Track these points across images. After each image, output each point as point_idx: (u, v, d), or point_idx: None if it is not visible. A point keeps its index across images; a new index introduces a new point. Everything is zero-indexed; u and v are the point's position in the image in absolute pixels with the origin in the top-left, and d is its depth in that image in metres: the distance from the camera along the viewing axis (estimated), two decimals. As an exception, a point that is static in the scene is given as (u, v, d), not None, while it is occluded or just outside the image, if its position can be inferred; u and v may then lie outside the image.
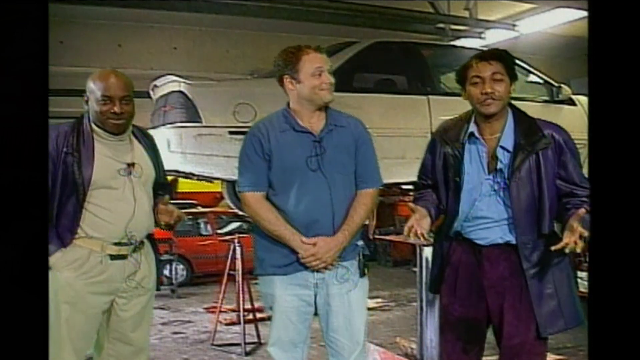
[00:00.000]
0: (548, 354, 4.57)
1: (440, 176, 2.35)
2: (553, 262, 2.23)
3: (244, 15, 6.44)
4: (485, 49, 5.33)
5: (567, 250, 2.05)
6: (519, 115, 2.31)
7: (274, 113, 2.47)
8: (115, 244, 2.35)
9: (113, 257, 2.36)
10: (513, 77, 2.26)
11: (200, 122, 3.93)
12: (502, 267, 2.25)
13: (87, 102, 2.37)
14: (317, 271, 2.36)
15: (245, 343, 5.16)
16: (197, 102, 3.94)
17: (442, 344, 2.46)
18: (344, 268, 2.39)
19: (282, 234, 2.35)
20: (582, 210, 2.07)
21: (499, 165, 2.24)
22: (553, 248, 2.07)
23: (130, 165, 2.39)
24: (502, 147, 2.24)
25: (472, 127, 2.29)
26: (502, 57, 2.26)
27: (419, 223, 2.20)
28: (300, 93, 2.39)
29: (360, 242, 2.45)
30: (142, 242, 2.44)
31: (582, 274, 6.54)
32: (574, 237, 2.01)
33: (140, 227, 2.40)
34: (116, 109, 2.32)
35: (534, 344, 2.23)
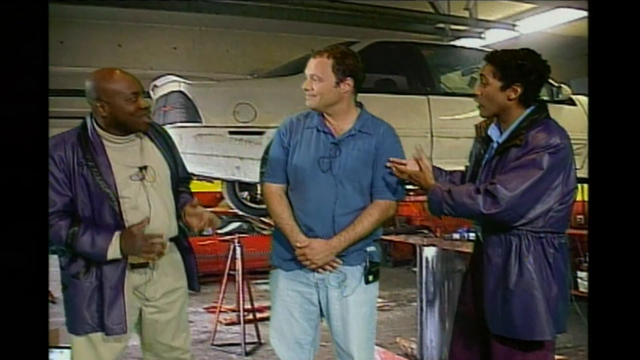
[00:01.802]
0: (548, 353, 4.53)
1: (471, 164, 2.41)
2: (505, 265, 2.18)
3: (244, 15, 6.43)
4: (485, 49, 5.34)
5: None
6: (532, 114, 2.24)
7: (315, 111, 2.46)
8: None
9: (134, 266, 2.27)
10: (509, 81, 2.20)
11: (200, 122, 3.93)
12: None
13: (102, 107, 2.21)
14: (317, 271, 2.36)
15: (245, 343, 5.15)
16: (197, 102, 3.93)
17: (451, 338, 2.48)
18: (342, 273, 2.36)
19: (284, 228, 2.39)
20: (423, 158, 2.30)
21: None
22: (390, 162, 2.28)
23: (142, 168, 2.27)
24: (497, 143, 2.28)
25: (494, 122, 2.33)
26: (491, 59, 2.25)
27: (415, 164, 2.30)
28: None
29: (371, 248, 2.40)
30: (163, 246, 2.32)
31: (582, 274, 6.56)
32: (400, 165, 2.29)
33: (159, 232, 2.27)
34: (142, 103, 2.26)
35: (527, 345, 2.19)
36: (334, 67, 2.34)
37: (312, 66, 2.37)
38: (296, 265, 2.38)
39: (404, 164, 2.31)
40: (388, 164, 2.33)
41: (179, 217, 2.40)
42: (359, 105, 2.46)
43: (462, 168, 2.50)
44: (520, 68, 2.20)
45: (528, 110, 2.25)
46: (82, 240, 2.16)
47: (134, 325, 2.36)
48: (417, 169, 2.30)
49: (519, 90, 2.21)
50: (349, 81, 2.36)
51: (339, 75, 2.34)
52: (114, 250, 2.17)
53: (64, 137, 2.24)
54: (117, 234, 2.18)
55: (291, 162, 2.41)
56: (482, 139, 2.36)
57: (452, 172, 2.50)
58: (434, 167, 2.41)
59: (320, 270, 2.35)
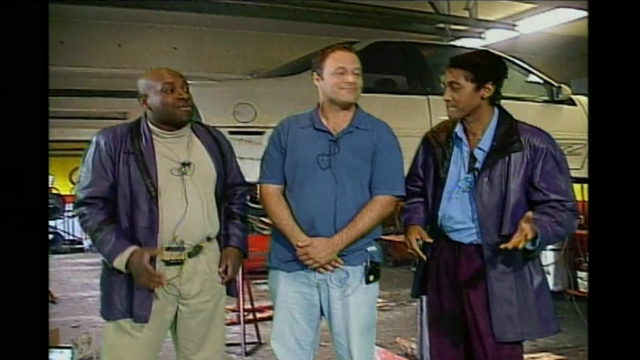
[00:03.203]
0: (548, 353, 4.57)
1: (430, 173, 2.43)
2: (517, 268, 2.25)
3: (244, 15, 6.43)
4: (485, 49, 5.34)
5: (509, 247, 2.09)
6: (503, 116, 2.34)
7: (307, 110, 2.48)
8: (167, 248, 2.30)
9: (167, 263, 2.30)
10: (482, 80, 2.28)
11: (200, 122, 3.94)
12: (476, 265, 2.31)
13: (144, 102, 2.33)
14: (318, 271, 2.36)
15: (245, 343, 5.15)
16: (197, 102, 3.90)
17: (431, 339, 2.51)
18: (344, 272, 2.36)
19: (284, 228, 2.38)
20: (529, 213, 2.14)
21: (477, 165, 2.31)
22: (502, 246, 2.12)
23: (185, 164, 2.32)
24: (479, 148, 2.32)
25: (458, 127, 2.38)
26: (461, 64, 2.31)
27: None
28: (323, 90, 2.41)
29: (372, 248, 2.40)
30: (199, 247, 2.36)
31: (582, 274, 6.55)
32: (518, 238, 2.08)
33: (192, 231, 2.32)
34: (182, 94, 2.31)
35: (504, 346, 2.25)
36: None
37: (353, 59, 2.41)
38: (298, 266, 2.38)
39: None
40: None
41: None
42: (354, 104, 2.46)
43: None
44: (489, 67, 2.31)
45: (497, 113, 2.34)
46: (103, 239, 2.25)
47: (169, 324, 2.40)
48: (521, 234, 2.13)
49: (492, 88, 2.30)
50: None
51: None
52: (120, 262, 2.24)
53: (115, 129, 2.35)
54: (131, 248, 2.24)
55: (289, 162, 2.40)
56: (444, 142, 2.39)
57: (413, 207, 2.49)
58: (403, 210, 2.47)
59: (322, 270, 2.35)
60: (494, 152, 2.28)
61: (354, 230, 2.33)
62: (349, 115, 2.41)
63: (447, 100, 2.34)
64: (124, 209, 2.29)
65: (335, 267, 2.34)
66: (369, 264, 2.38)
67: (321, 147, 2.37)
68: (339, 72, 2.35)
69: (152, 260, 2.26)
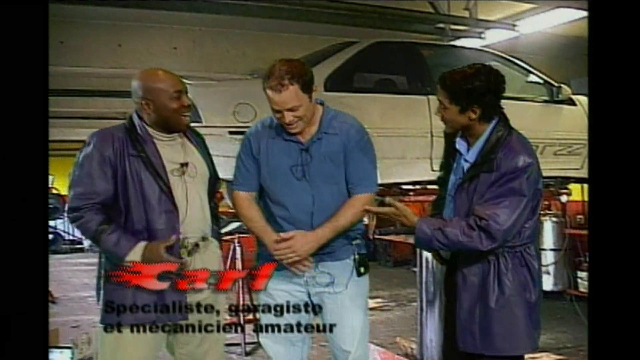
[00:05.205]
0: (548, 353, 4.57)
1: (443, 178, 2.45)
2: (483, 282, 2.22)
3: (244, 15, 6.42)
4: (485, 49, 5.33)
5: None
6: (496, 130, 2.26)
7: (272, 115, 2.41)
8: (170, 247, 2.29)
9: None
10: (466, 104, 2.22)
11: (201, 122, 3.92)
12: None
13: (147, 105, 2.30)
14: (298, 269, 2.34)
15: (245, 343, 5.16)
16: (197, 102, 3.92)
17: (444, 340, 2.51)
18: (331, 275, 2.36)
19: (257, 230, 2.39)
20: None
21: (462, 175, 2.31)
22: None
23: (184, 165, 2.35)
24: (465, 160, 2.31)
25: (458, 138, 2.36)
26: (444, 86, 2.26)
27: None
28: None
29: (357, 241, 2.41)
30: (196, 245, 2.37)
31: (582, 274, 6.54)
32: (380, 209, 2.26)
33: (191, 230, 2.35)
34: (187, 101, 2.34)
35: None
36: (304, 88, 2.26)
37: (285, 100, 2.24)
38: (282, 265, 2.36)
39: (381, 211, 2.29)
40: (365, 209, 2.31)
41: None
42: (320, 102, 2.41)
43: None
44: (471, 92, 2.20)
45: (491, 125, 2.26)
46: (108, 238, 2.23)
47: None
48: (394, 208, 2.24)
49: (478, 111, 2.22)
50: (314, 87, 2.32)
51: (308, 91, 2.28)
52: (134, 256, 2.23)
53: (112, 132, 2.31)
54: (142, 243, 2.25)
55: (263, 172, 2.39)
56: (452, 149, 2.38)
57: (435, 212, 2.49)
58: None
59: (294, 268, 2.32)
60: (473, 167, 2.25)
61: (336, 224, 2.31)
62: (316, 118, 2.36)
63: (437, 114, 2.33)
64: (137, 212, 2.27)
65: (306, 266, 2.32)
66: (357, 256, 2.40)
67: (293, 158, 2.34)
68: (275, 109, 2.29)
69: (171, 249, 2.26)
